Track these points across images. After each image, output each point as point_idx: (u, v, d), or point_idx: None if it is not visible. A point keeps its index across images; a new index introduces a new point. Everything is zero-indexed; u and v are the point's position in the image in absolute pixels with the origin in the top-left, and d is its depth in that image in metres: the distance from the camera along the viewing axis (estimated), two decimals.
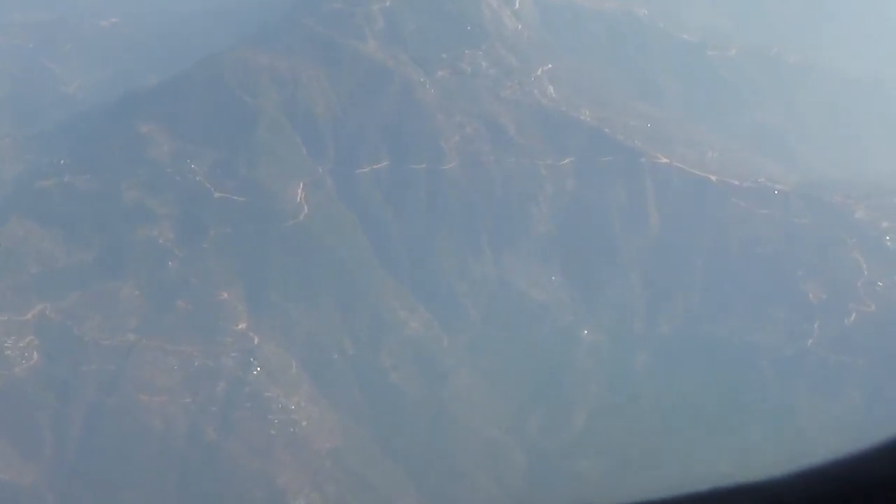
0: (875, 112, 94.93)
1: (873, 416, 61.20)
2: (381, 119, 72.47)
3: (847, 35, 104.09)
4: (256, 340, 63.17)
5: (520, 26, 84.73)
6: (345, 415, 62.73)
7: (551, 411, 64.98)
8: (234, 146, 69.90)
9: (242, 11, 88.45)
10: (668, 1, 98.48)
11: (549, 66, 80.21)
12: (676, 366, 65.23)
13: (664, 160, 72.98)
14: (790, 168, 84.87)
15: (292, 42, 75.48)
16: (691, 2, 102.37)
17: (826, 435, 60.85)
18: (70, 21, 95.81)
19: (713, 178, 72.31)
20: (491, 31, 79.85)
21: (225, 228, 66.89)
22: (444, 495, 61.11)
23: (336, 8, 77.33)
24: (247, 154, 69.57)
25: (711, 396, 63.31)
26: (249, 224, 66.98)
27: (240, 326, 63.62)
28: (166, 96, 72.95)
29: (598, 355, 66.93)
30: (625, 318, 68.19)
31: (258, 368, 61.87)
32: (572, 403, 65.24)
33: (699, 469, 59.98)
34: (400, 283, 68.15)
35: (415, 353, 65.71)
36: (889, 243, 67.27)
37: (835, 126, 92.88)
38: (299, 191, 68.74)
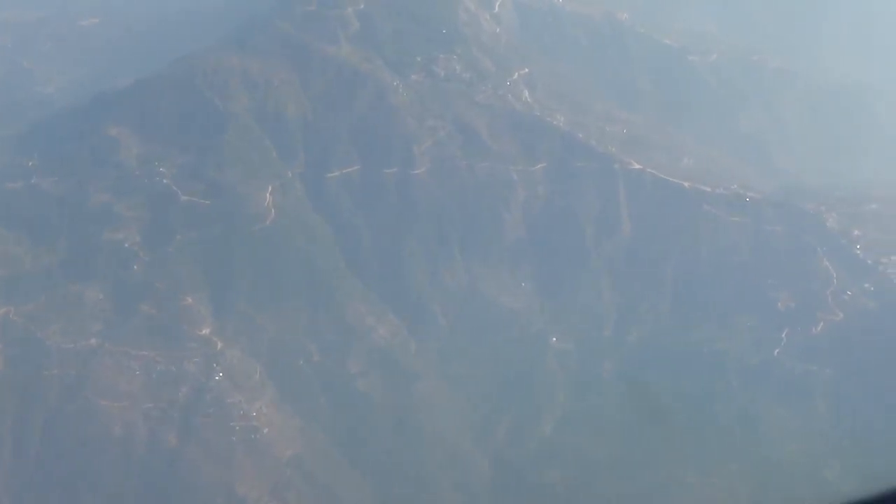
0: (857, 118, 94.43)
1: (838, 425, 60.74)
2: (352, 123, 72.03)
3: (832, 41, 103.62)
4: (220, 346, 62.74)
5: (498, 30, 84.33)
6: (309, 422, 62.26)
7: (518, 419, 64.45)
8: (202, 149, 69.51)
9: (223, 13, 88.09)
10: (650, 5, 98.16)
11: (526, 70, 79.76)
12: (644, 374, 64.66)
13: (637, 166, 72.48)
14: (769, 174, 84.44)
15: (265, 45, 75.06)
16: (675, 6, 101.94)
17: (791, 444, 60.39)
18: (50, 21, 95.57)
19: (686, 184, 71.81)
20: (467, 34, 79.41)
21: (191, 232, 66.46)
22: (407, 503, 60.66)
23: (310, 10, 76.95)
24: (215, 157, 69.16)
25: (678, 405, 62.73)
26: (216, 228, 66.56)
27: (204, 331, 63.19)
28: (136, 98, 72.57)
29: (566, 363, 66.44)
30: (594, 326, 67.70)
31: (220, 374, 61.44)
32: (539, 411, 64.72)
33: (664, 478, 59.58)
34: (369, 289, 67.69)
35: (382, 360, 65.23)
36: (859, 252, 66.75)
37: (816, 132, 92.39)
38: (267, 195, 68.32)
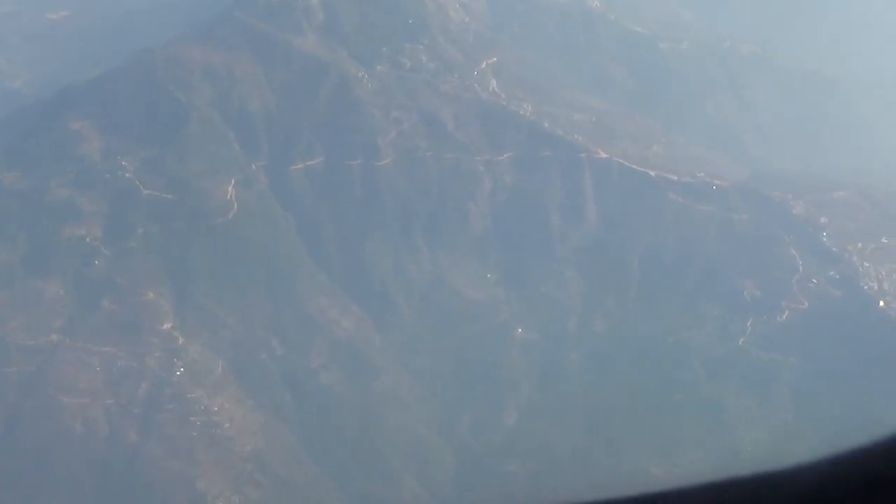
0: (831, 105, 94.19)
1: (802, 414, 60.53)
2: (316, 115, 71.59)
3: (808, 28, 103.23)
4: (181, 341, 62.38)
5: (467, 19, 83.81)
6: (271, 416, 61.97)
7: (482, 411, 64.19)
8: (164, 143, 69.07)
9: (194, 5, 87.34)
10: None
11: (494, 59, 79.30)
12: (609, 365, 64.44)
13: (604, 155, 72.13)
14: (741, 161, 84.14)
15: (229, 36, 74.54)
16: None
17: (755, 434, 60.20)
18: (19, 15, 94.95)
19: (653, 173, 71.46)
20: (434, 24, 78.89)
21: (153, 227, 66.05)
22: (369, 497, 60.42)
23: (274, 2, 76.39)
24: (177, 151, 68.73)
25: (642, 395, 62.53)
26: (177, 222, 66.17)
27: (165, 326, 62.83)
28: (99, 92, 72.11)
29: (531, 354, 66.16)
30: (560, 316, 67.39)
31: (181, 369, 61.11)
32: (504, 403, 64.46)
33: (629, 469, 59.37)
34: (333, 282, 67.34)
35: (345, 353, 64.91)
36: (826, 239, 66.47)
37: (789, 119, 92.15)
38: (230, 188, 67.89)
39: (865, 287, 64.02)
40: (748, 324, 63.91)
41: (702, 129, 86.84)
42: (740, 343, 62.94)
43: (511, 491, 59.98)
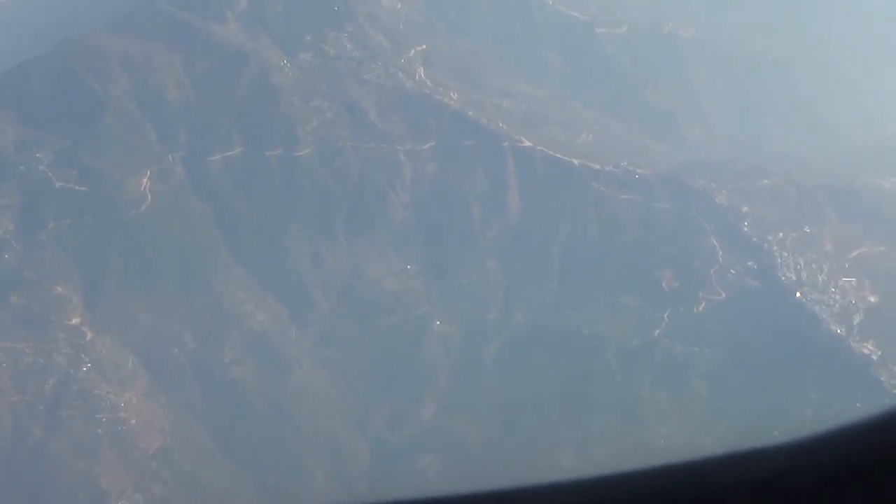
0: (774, 90, 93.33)
1: (717, 406, 59.97)
2: (235, 104, 70.58)
3: (752, 12, 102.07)
4: (90, 336, 61.58)
5: (399, 6, 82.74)
6: (181, 411, 61.27)
7: (399, 405, 63.56)
8: (80, 134, 68.03)
9: None
10: None
11: (424, 46, 78.26)
12: (526, 357, 63.78)
13: (528, 143, 71.25)
14: (678, 148, 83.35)
15: (149, 25, 73.41)
16: None
17: (670, 426, 59.63)
18: None
19: (576, 161, 70.62)
20: (361, 11, 77.77)
21: (65, 220, 65.14)
22: (281, 492, 59.79)
23: None
24: (92, 142, 67.71)
25: (557, 388, 61.89)
26: (89, 215, 65.25)
27: (73, 321, 62.00)
28: (14, 83, 71.02)
29: (449, 347, 65.49)
30: (479, 308, 66.67)
31: (88, 365, 60.33)
32: (420, 396, 63.81)
33: (540, 461, 58.73)
34: (249, 274, 66.51)
35: (259, 346, 64.19)
36: (746, 229, 65.74)
37: (730, 103, 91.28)
38: (145, 180, 66.95)
39: (783, 278, 63.36)
40: (665, 315, 63.25)
41: (641, 115, 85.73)
42: (655, 335, 62.29)
43: (421, 485, 59.34)
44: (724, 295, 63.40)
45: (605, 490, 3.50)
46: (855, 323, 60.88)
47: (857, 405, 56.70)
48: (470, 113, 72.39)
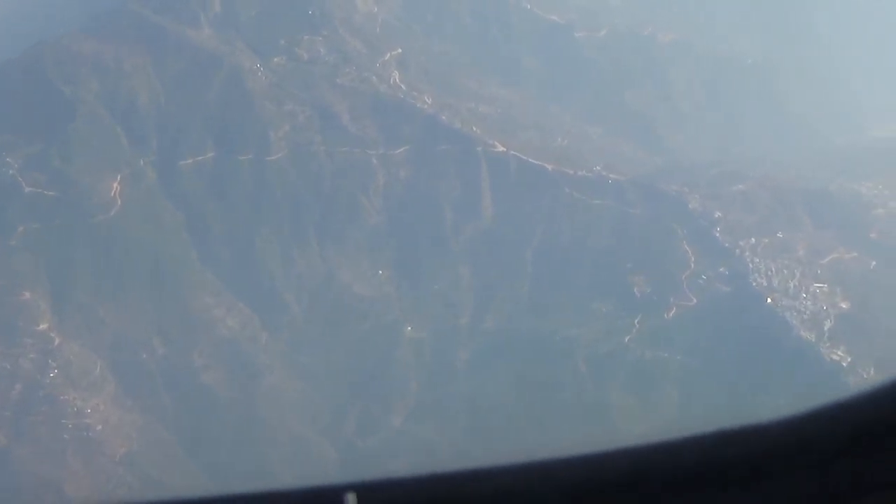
0: (755, 94, 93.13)
1: (688, 412, 59.70)
2: (207, 109, 70.30)
3: (734, 16, 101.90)
4: (57, 341, 61.27)
5: (375, 9, 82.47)
6: (149, 417, 60.98)
7: (369, 411, 63.29)
8: (50, 139, 67.67)
9: None
10: None
11: (399, 50, 77.99)
12: (497, 362, 63.52)
13: (501, 148, 71.01)
14: (655, 152, 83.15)
15: (122, 29, 73.05)
16: None
17: (639, 431, 59.31)
18: None
19: (549, 166, 70.35)
20: (336, 15, 77.50)
21: (34, 225, 64.82)
22: None
23: None
24: (62, 147, 67.38)
25: (528, 394, 61.64)
26: (59, 220, 64.93)
27: (41, 327, 61.69)
28: None
29: (420, 352, 65.21)
30: (451, 314, 66.39)
31: (55, 371, 60.02)
32: (391, 402, 63.53)
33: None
34: (220, 279, 66.21)
35: (229, 352, 63.90)
36: (718, 234, 65.53)
37: (710, 107, 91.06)
38: (115, 184, 66.63)
39: (754, 283, 63.15)
40: (636, 321, 63.00)
41: (620, 119, 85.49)
42: (626, 341, 62.02)
43: None
44: (695, 301, 63.19)
45: (584, 469, 3.68)
46: (825, 329, 60.69)
47: None
48: (444, 117, 72.13)
